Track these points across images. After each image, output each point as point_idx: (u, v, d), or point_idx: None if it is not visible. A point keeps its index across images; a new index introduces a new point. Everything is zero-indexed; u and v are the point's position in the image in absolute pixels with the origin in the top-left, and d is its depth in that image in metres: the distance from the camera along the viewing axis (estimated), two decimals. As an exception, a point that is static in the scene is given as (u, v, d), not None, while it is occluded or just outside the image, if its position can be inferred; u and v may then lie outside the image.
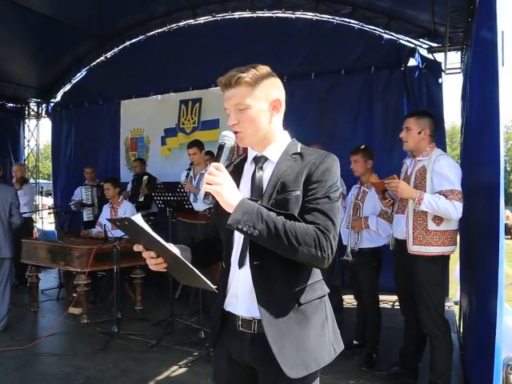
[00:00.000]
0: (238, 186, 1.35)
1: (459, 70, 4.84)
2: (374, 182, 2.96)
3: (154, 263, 1.30)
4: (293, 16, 5.95)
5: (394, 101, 5.30)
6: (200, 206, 4.22)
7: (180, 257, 1.26)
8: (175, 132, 6.58)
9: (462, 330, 3.79)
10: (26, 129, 8.46)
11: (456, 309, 4.63)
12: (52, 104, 8.18)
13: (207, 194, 1.21)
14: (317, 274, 1.36)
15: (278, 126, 1.39)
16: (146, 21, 6.79)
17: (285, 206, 1.26)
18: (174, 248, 1.34)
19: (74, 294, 4.32)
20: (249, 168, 1.42)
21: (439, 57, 5.00)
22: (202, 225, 4.25)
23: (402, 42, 5.33)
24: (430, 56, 5.10)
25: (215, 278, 1.45)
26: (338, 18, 5.66)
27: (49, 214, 7.82)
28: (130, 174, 6.73)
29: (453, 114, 24.35)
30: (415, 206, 2.59)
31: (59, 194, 7.93)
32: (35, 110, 8.39)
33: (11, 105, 8.08)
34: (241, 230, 1.18)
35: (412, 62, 5.23)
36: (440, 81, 5.03)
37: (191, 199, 4.26)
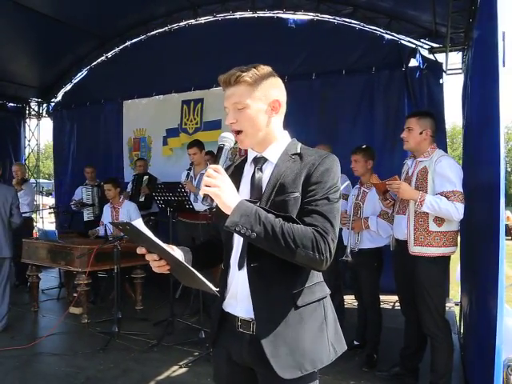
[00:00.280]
0: (238, 187, 1.36)
1: (460, 71, 4.84)
2: (375, 182, 2.95)
3: (157, 266, 1.30)
4: (294, 16, 5.96)
5: (395, 101, 5.29)
6: (201, 206, 4.21)
7: (181, 260, 1.26)
8: (177, 132, 6.59)
9: (462, 331, 3.78)
10: (27, 128, 8.47)
11: (457, 309, 4.62)
12: (53, 104, 8.18)
13: (206, 196, 1.21)
14: (316, 276, 1.35)
15: (277, 127, 1.38)
16: (146, 21, 6.79)
17: (283, 208, 1.26)
18: (176, 250, 1.34)
19: (75, 294, 4.32)
20: (249, 169, 1.42)
21: (440, 57, 5.00)
22: (202, 225, 4.25)
23: (403, 42, 5.33)
24: (431, 56, 5.10)
25: (216, 280, 1.45)
26: (338, 18, 5.65)
27: (49, 213, 7.82)
28: (133, 173, 6.73)
29: (454, 115, 24.41)
30: (417, 208, 2.58)
31: (61, 194, 7.92)
32: (36, 109, 8.39)
33: (12, 104, 8.08)
34: (238, 232, 1.18)
35: (413, 63, 5.23)
36: (441, 81, 5.02)
37: (192, 199, 4.26)
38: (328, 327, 1.34)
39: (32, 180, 8.00)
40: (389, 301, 4.74)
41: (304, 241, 1.18)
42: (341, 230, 3.37)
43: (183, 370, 3.24)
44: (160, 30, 6.86)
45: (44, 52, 6.80)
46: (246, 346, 1.33)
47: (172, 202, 4.08)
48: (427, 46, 5.13)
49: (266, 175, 1.35)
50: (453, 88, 6.54)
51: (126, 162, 7.08)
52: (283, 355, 1.24)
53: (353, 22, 5.58)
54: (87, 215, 5.87)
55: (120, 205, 4.94)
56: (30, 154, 8.62)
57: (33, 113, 8.40)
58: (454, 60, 4.90)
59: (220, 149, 1.31)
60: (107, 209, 5.04)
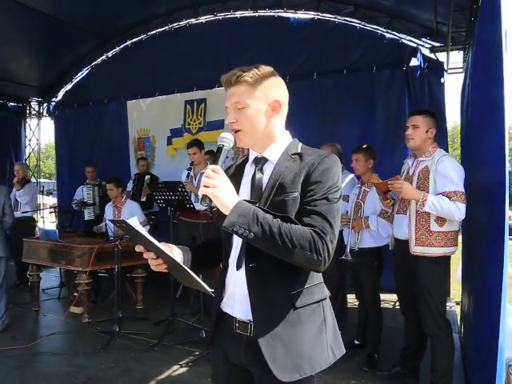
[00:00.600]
0: (238, 187, 1.36)
1: (461, 70, 4.83)
2: (376, 182, 2.94)
3: (155, 264, 1.31)
4: (295, 15, 5.95)
5: (396, 100, 5.28)
6: (201, 205, 4.21)
7: (176, 260, 1.26)
8: (181, 132, 6.59)
9: (463, 331, 3.78)
10: (27, 128, 8.47)
11: (457, 309, 4.62)
12: (53, 103, 8.18)
13: (204, 197, 1.21)
14: (316, 277, 1.34)
15: (278, 127, 1.37)
16: (147, 20, 6.79)
17: (282, 208, 1.25)
18: (175, 249, 1.34)
19: (75, 293, 4.31)
20: (249, 169, 1.41)
21: (441, 56, 5.00)
22: (203, 224, 4.24)
23: (404, 41, 5.32)
24: (432, 55, 5.09)
25: (216, 280, 1.44)
26: (339, 17, 5.64)
27: (50, 213, 7.82)
28: (135, 173, 6.72)
29: (455, 114, 24.22)
30: (419, 208, 2.57)
31: (64, 194, 7.89)
32: (36, 109, 8.39)
33: (12, 104, 8.08)
34: (236, 233, 1.18)
35: (414, 62, 5.22)
36: (442, 80, 5.01)
37: (192, 199, 4.26)
38: (327, 329, 1.33)
39: (33, 180, 8.00)
40: (389, 300, 4.73)
41: (301, 241, 1.17)
42: (341, 229, 3.36)
43: (184, 369, 3.24)
44: (160, 30, 6.85)
45: (44, 51, 6.80)
46: (243, 348, 1.33)
47: (172, 201, 4.08)
48: (428, 45, 5.12)
49: (266, 175, 1.34)
50: (454, 87, 6.52)
51: (132, 162, 7.05)
52: (281, 357, 1.23)
53: (354, 21, 5.56)
54: (88, 215, 5.86)
55: (122, 204, 4.94)
56: (30, 153, 8.62)
57: (33, 112, 8.40)
58: (455, 59, 4.90)
59: (219, 149, 1.31)
60: (109, 208, 5.04)
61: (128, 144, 7.14)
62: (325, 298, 1.36)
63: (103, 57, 7.40)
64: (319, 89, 5.64)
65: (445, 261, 2.69)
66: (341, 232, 3.29)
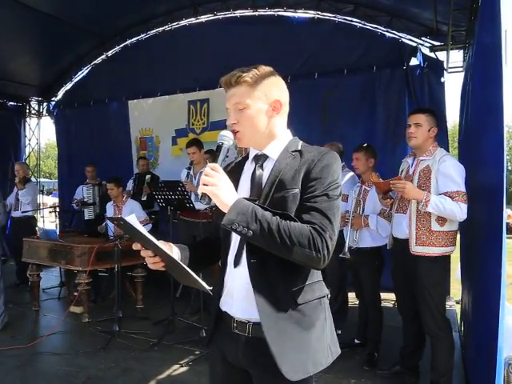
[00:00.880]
0: (237, 184, 1.36)
1: (461, 69, 4.82)
2: (377, 181, 2.93)
3: (152, 262, 1.30)
4: (294, 14, 5.94)
5: (396, 100, 5.28)
6: (201, 204, 4.21)
7: (174, 257, 1.26)
8: (186, 132, 6.58)
9: (463, 329, 3.78)
10: (27, 127, 8.46)
11: (457, 308, 4.62)
12: (53, 103, 8.17)
13: (204, 195, 1.21)
14: (316, 275, 1.35)
15: (279, 127, 1.37)
16: (146, 19, 6.78)
17: (282, 205, 1.25)
18: (173, 248, 1.34)
19: (75, 293, 4.32)
20: (249, 166, 1.41)
21: (441, 55, 4.99)
22: (203, 223, 4.25)
23: (404, 40, 5.31)
24: (432, 55, 5.08)
25: (215, 278, 1.44)
26: (339, 17, 5.64)
27: (50, 212, 7.82)
28: (135, 172, 6.71)
29: (455, 113, 24.26)
30: (422, 208, 2.55)
31: (65, 194, 7.87)
32: (36, 108, 8.38)
33: (12, 103, 8.06)
34: (235, 230, 1.18)
35: (414, 61, 5.22)
36: (442, 80, 5.01)
37: (192, 198, 4.26)
38: (327, 328, 1.33)
39: (33, 179, 7.99)
40: (390, 299, 4.71)
41: (300, 238, 1.17)
42: (341, 229, 3.35)
43: (184, 368, 3.24)
44: (160, 29, 6.85)
45: (44, 51, 6.79)
46: (241, 348, 1.32)
47: (172, 200, 4.08)
48: (428, 45, 5.11)
49: (266, 172, 1.34)
50: (454, 86, 6.51)
51: (134, 162, 7.03)
52: (289, 354, 1.23)
53: (354, 20, 5.56)
54: (88, 214, 5.87)
55: (123, 203, 4.95)
56: (30, 153, 8.62)
57: (33, 112, 8.39)
58: (455, 58, 4.89)
59: (219, 147, 1.30)
60: (110, 207, 5.04)
61: (130, 144, 7.14)
62: (324, 296, 1.37)
63: (103, 56, 7.40)
64: (320, 88, 5.64)
65: (444, 260, 2.69)
66: (341, 230, 3.29)
